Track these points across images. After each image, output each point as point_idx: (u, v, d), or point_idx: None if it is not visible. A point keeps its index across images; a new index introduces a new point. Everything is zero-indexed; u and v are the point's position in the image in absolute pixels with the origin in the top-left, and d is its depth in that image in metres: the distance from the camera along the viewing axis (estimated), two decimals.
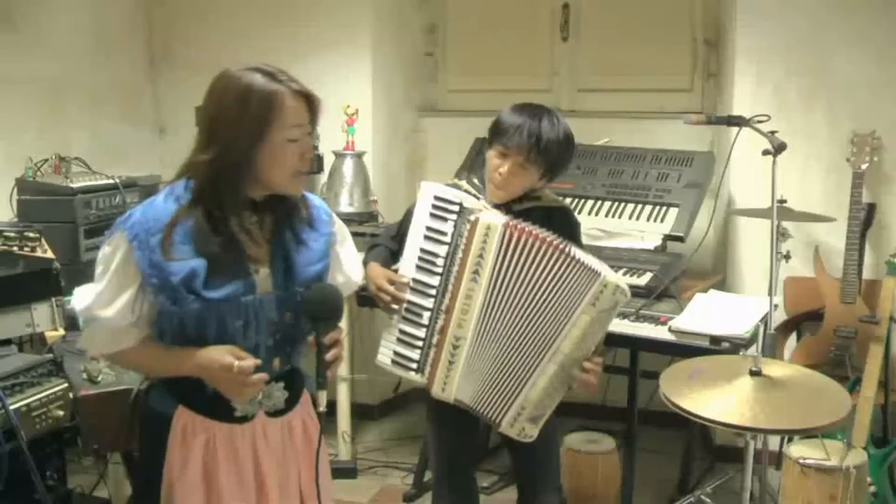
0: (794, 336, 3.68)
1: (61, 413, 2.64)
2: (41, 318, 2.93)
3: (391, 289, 2.43)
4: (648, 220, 3.64)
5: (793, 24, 3.71)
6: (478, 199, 2.45)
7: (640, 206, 3.69)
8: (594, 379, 2.36)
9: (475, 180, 2.56)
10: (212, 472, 1.83)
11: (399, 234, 2.58)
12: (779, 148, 2.91)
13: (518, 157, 2.39)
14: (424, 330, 2.42)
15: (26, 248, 2.95)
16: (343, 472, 3.88)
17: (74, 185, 3.50)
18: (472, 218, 2.36)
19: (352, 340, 3.98)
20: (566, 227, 2.49)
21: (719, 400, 2.13)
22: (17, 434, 2.39)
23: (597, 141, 4.02)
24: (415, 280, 2.43)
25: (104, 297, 1.78)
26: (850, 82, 3.66)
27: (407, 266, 2.45)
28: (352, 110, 4.12)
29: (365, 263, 2.54)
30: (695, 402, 2.13)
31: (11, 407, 2.46)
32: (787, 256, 3.37)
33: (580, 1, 4.49)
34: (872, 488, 3.16)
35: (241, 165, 1.76)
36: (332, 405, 3.87)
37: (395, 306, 2.44)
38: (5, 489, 2.41)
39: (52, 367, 2.71)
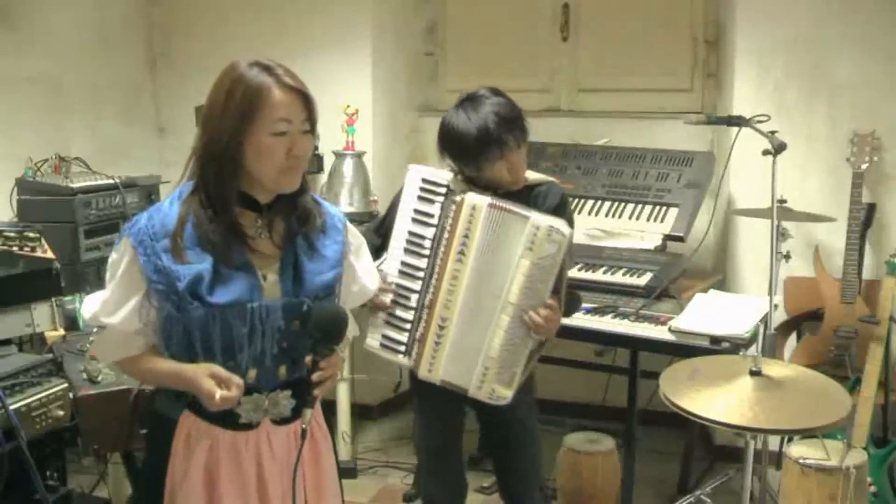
0: (794, 336, 3.68)
1: (61, 413, 2.64)
2: (41, 318, 2.93)
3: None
4: (648, 220, 3.64)
5: (793, 23, 3.71)
6: (462, 180, 2.46)
7: (640, 206, 3.69)
8: (539, 320, 2.30)
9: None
10: (214, 478, 1.81)
11: (384, 223, 2.58)
12: (779, 148, 2.91)
13: (513, 150, 2.41)
14: (413, 312, 2.42)
15: (26, 248, 2.96)
16: (343, 472, 3.86)
17: (74, 185, 3.50)
18: (458, 198, 2.38)
19: (352, 340, 3.97)
20: (548, 199, 2.52)
21: (719, 400, 2.13)
22: (17, 434, 2.39)
23: (597, 141, 4.02)
24: (403, 263, 2.43)
25: (110, 305, 1.78)
26: (850, 82, 3.66)
27: (396, 249, 2.45)
28: (352, 110, 4.12)
29: None
30: (695, 402, 2.13)
31: (11, 407, 2.46)
32: (787, 256, 3.37)
33: (580, 1, 4.49)
34: (872, 488, 3.16)
35: (224, 155, 1.74)
36: (332, 405, 3.89)
37: (386, 297, 2.43)
38: (5, 489, 2.41)
39: (52, 367, 2.71)
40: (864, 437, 3.13)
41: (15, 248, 2.94)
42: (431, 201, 2.42)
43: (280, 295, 1.82)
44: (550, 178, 2.63)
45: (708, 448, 4.03)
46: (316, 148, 4.18)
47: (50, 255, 3.00)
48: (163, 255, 1.74)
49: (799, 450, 3.05)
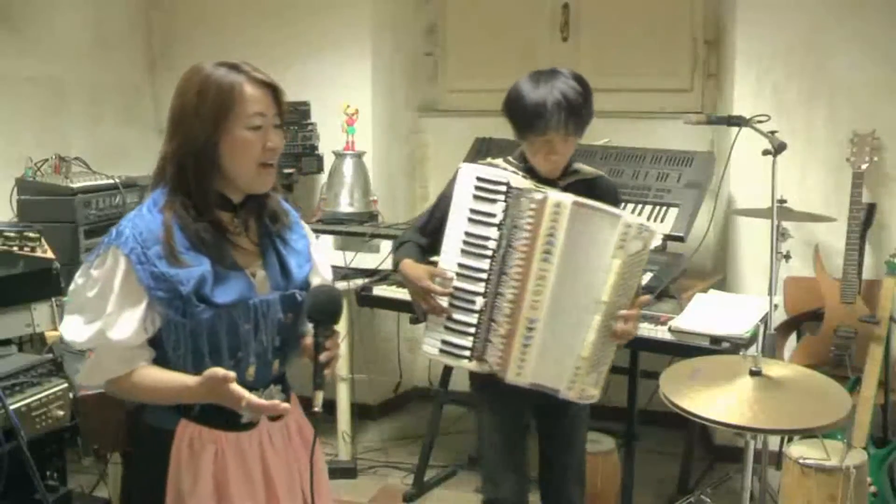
0: (794, 336, 3.68)
1: (61, 413, 2.64)
2: (41, 318, 2.94)
3: (438, 287, 2.35)
4: (648, 219, 3.64)
5: (793, 23, 3.71)
6: (522, 176, 2.38)
7: (640, 206, 3.68)
8: (634, 327, 2.32)
9: (510, 158, 2.48)
10: (222, 482, 1.81)
11: (430, 223, 2.52)
12: (779, 148, 2.91)
13: (558, 136, 2.33)
14: (476, 316, 2.34)
15: (26, 248, 2.96)
16: (343, 472, 3.88)
17: (74, 185, 3.50)
18: (539, 196, 2.29)
19: (351, 340, 3.98)
20: (610, 193, 2.49)
21: (719, 400, 2.13)
22: (17, 434, 2.39)
23: (597, 141, 4.01)
24: (461, 265, 2.35)
25: (113, 319, 1.72)
26: (850, 82, 3.66)
27: (450, 252, 2.36)
28: (352, 110, 4.12)
29: (396, 262, 2.50)
30: (695, 402, 2.13)
31: (11, 407, 2.46)
32: (787, 256, 3.37)
33: (580, 1, 4.49)
34: (872, 488, 3.16)
35: (203, 155, 1.75)
36: (332, 405, 3.89)
37: (442, 301, 2.35)
38: (5, 489, 2.42)
39: (52, 367, 2.71)
40: (864, 437, 3.13)
41: (15, 248, 2.95)
42: (492, 200, 2.33)
43: (270, 289, 1.84)
44: (600, 172, 2.58)
45: (708, 448, 4.03)
46: (316, 148, 4.19)
47: (50, 255, 3.01)
48: (157, 261, 1.72)
49: (799, 450, 3.05)
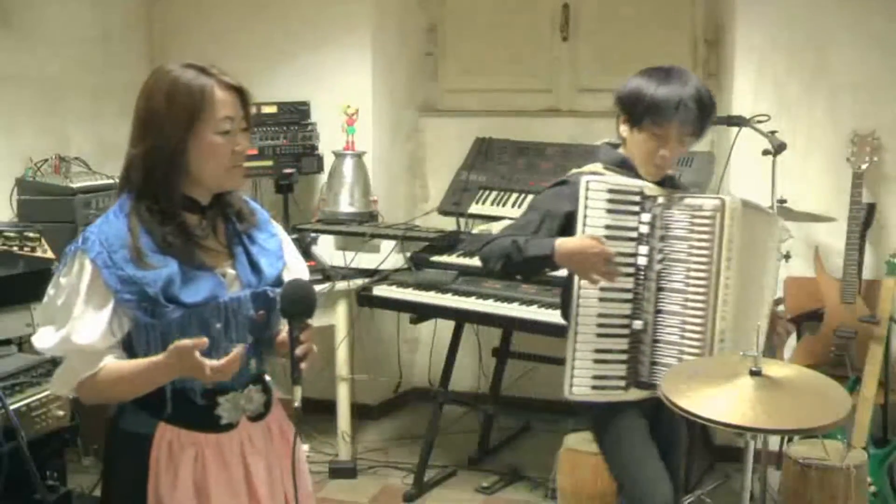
0: (794, 336, 3.68)
1: (61, 413, 2.64)
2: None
3: (608, 248, 2.11)
4: None
5: (793, 24, 3.71)
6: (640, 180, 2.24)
7: None
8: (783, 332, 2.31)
9: (608, 164, 2.31)
10: (202, 485, 1.80)
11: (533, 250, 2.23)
12: (779, 148, 2.91)
13: (683, 133, 2.21)
14: (627, 341, 2.21)
15: (26, 248, 2.96)
16: (343, 472, 3.88)
17: (74, 185, 3.50)
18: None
19: (352, 340, 3.98)
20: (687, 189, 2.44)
21: (719, 400, 2.13)
22: (17, 434, 2.39)
23: (597, 141, 4.01)
24: (604, 289, 2.18)
25: (80, 324, 1.71)
26: (849, 82, 3.66)
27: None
28: (352, 110, 4.12)
29: (540, 254, 2.18)
30: (695, 402, 2.12)
31: (11, 407, 2.46)
32: (787, 256, 3.37)
33: (580, 1, 4.49)
34: (872, 488, 3.16)
35: (172, 159, 1.74)
36: (332, 405, 3.89)
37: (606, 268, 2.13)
38: (5, 489, 2.42)
39: (52, 367, 2.70)
40: (864, 437, 3.13)
41: (15, 248, 2.95)
42: (631, 212, 2.18)
43: (242, 287, 1.84)
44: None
45: (708, 448, 4.03)
46: (316, 148, 4.19)
47: (50, 255, 3.01)
48: (124, 264, 1.71)
49: (799, 450, 3.05)
